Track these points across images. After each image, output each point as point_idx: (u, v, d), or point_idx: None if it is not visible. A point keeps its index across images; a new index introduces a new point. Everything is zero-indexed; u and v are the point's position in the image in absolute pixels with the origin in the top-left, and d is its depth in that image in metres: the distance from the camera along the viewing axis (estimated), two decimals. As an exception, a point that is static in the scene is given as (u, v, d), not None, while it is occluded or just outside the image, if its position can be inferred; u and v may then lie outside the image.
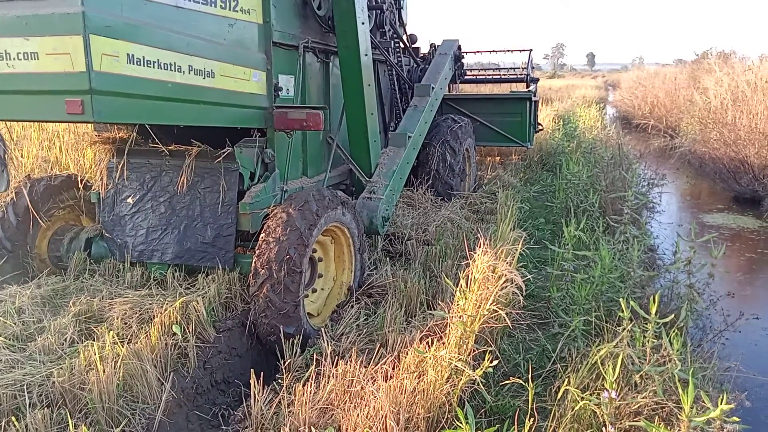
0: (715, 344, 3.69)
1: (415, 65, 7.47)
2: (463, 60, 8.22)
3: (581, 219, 4.75)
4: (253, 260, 3.57)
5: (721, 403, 2.06)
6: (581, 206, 6.46)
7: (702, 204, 9.61)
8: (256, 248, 3.60)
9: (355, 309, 4.01)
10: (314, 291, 4.20)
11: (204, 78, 3.40)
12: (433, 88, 6.74)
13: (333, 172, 5.27)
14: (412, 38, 7.49)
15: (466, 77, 9.14)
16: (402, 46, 6.96)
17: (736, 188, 9.71)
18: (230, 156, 3.92)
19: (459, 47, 7.95)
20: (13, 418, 2.64)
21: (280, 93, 4.18)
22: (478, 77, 10.23)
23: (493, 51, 10.43)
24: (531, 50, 9.88)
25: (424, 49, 8.09)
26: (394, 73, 6.60)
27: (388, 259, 5.12)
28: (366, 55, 4.97)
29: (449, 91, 8.63)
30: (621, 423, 2.47)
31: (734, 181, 9.77)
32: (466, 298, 3.15)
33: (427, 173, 6.95)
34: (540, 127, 9.57)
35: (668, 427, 2.33)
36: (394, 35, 6.53)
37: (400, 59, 6.77)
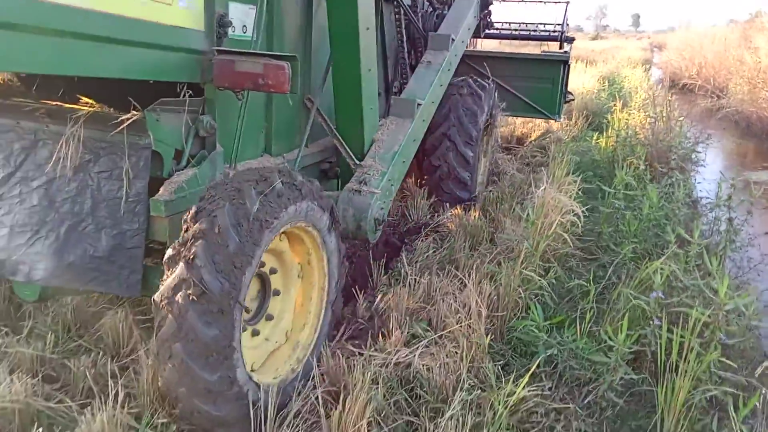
0: (751, 272, 4.14)
1: (431, 9, 5.72)
2: (491, 7, 6.38)
3: (628, 171, 5.17)
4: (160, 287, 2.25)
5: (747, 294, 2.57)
6: (628, 159, 6.83)
7: (748, 162, 9.78)
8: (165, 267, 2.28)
9: (425, 243, 4.57)
10: (255, 334, 2.71)
11: None
12: (453, 39, 5.07)
13: (312, 147, 3.89)
14: None
15: (489, 31, 7.19)
16: None
17: (783, 147, 9.85)
18: (139, 125, 2.46)
19: None
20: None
21: (229, 30, 2.81)
22: (502, 32, 8.27)
23: (523, 0, 8.52)
24: (568, 2, 8.03)
25: None
26: (402, 15, 4.84)
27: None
28: None
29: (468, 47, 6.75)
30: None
31: (782, 140, 9.90)
32: (531, 224, 3.69)
33: (433, 166, 5.22)
34: (571, 97, 7.89)
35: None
36: None
37: None
